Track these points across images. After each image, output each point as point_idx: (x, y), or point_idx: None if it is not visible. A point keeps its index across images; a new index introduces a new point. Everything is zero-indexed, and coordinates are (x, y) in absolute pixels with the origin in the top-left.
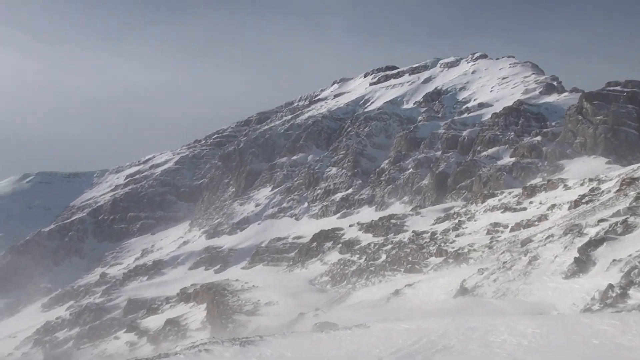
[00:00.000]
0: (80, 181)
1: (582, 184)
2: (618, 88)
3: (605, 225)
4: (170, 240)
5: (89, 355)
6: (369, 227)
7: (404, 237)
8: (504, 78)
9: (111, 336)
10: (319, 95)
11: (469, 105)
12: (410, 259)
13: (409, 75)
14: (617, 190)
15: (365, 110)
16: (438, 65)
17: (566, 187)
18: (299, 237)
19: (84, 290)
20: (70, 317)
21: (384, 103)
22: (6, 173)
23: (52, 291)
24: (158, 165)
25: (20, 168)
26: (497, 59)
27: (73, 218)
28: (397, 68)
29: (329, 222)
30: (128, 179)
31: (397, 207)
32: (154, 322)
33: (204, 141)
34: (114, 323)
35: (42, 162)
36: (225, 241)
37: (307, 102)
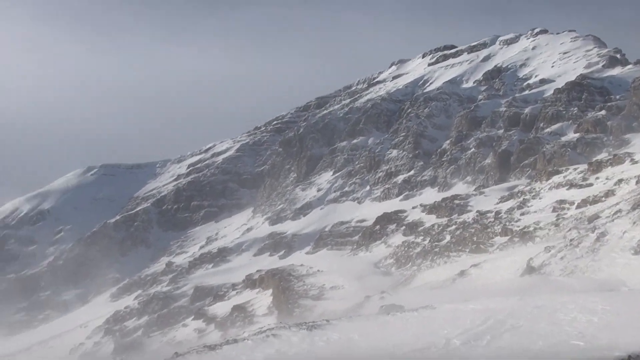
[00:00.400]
0: (142, 172)
1: None
2: None
3: None
4: (234, 227)
5: (159, 343)
6: (432, 209)
7: (468, 217)
8: (565, 53)
9: (179, 324)
10: (377, 77)
11: (530, 81)
12: (475, 239)
13: (468, 54)
14: None
15: (425, 91)
16: (497, 42)
17: (633, 162)
18: (362, 221)
19: (151, 279)
20: (139, 306)
21: (443, 83)
22: (71, 166)
23: (120, 281)
24: (219, 154)
25: (84, 161)
26: (557, 33)
27: (137, 209)
28: (456, 47)
29: (392, 205)
30: (190, 168)
31: (460, 188)
32: (221, 308)
33: (263, 128)
34: (181, 311)
35: (105, 154)
36: (289, 227)
37: (365, 85)
